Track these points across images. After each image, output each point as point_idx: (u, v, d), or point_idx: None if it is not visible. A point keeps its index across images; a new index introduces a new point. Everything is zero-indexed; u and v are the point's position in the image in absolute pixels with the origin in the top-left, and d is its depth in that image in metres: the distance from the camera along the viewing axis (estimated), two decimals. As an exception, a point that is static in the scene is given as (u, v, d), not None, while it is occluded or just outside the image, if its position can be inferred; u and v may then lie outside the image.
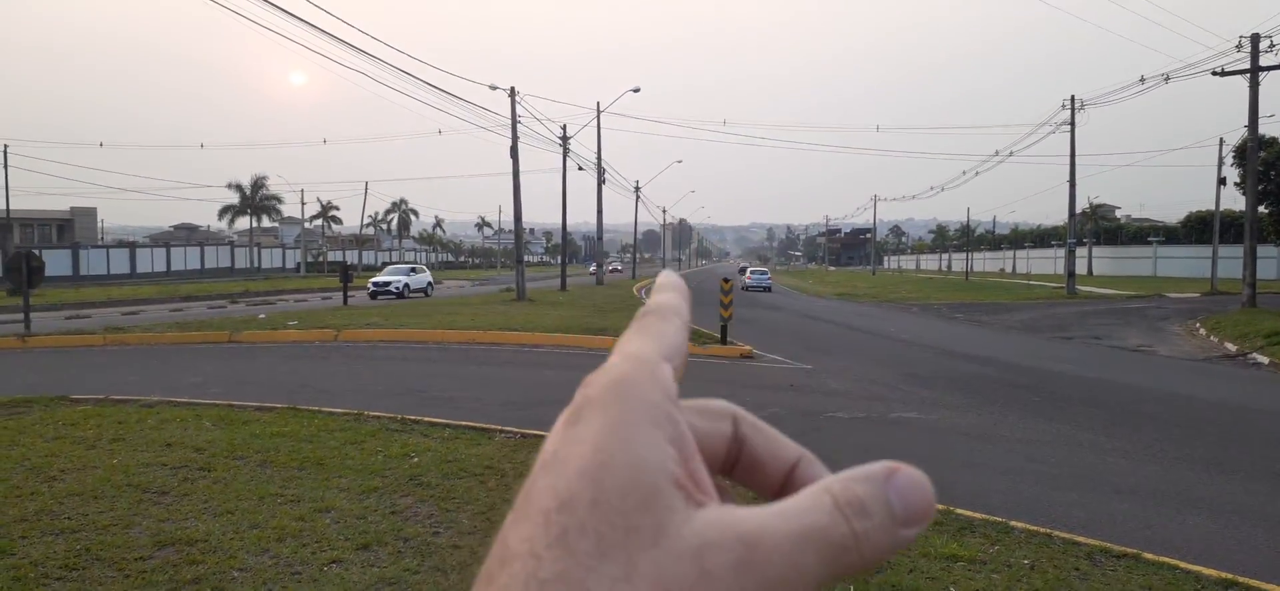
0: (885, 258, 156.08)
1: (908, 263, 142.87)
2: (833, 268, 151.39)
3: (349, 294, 35.06)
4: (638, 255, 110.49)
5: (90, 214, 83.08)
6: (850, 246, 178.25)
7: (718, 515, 0.31)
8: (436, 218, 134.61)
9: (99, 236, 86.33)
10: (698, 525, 0.30)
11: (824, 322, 30.28)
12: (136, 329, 22.91)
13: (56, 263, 60.96)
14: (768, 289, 53.72)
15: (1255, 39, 27.63)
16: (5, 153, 58.50)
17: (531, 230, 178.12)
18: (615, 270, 79.57)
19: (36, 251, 25.69)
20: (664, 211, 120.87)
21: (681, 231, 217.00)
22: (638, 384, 0.33)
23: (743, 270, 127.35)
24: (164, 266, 74.77)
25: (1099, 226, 79.35)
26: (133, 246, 78.13)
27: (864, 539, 0.31)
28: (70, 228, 78.51)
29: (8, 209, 62.34)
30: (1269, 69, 27.48)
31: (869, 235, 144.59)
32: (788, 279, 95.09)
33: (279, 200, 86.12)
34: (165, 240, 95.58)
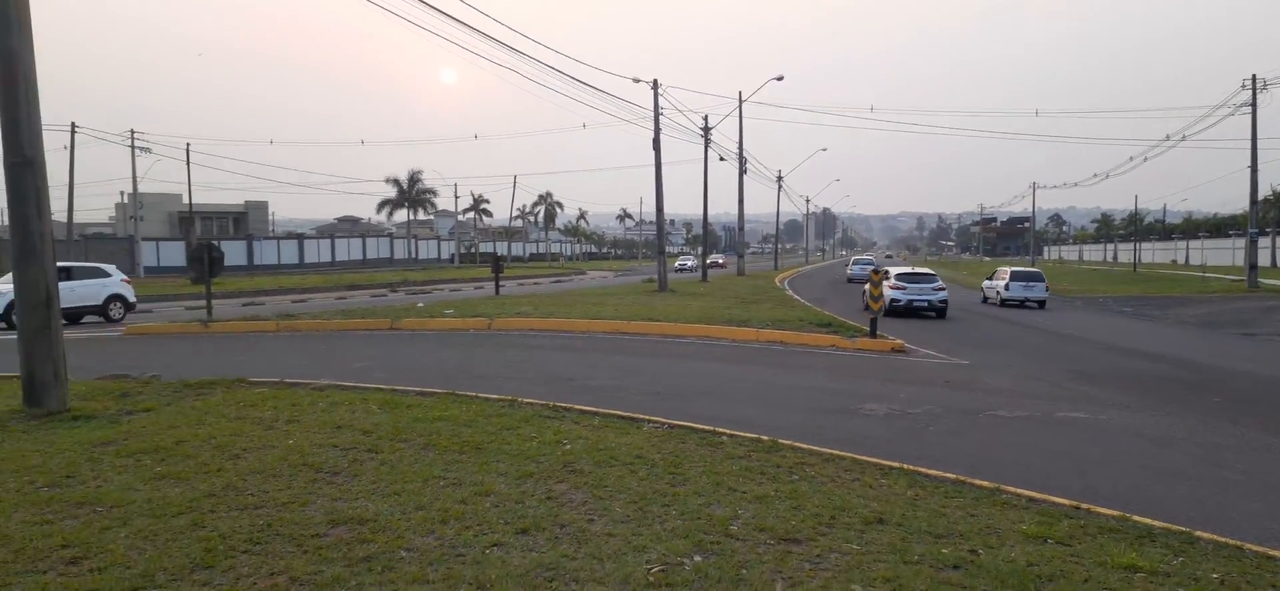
0: (1045, 248, 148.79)
1: (1069, 253, 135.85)
2: (988, 258, 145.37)
3: (501, 284, 36.08)
4: (780, 245, 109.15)
5: (262, 207, 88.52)
6: (1006, 236, 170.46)
7: None
8: (580, 210, 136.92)
9: (270, 228, 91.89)
10: None
11: (978, 315, 29.13)
12: (305, 316, 24.26)
13: (233, 253, 65.34)
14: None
15: None
16: (187, 150, 63.09)
17: (672, 221, 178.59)
18: (717, 264, 74.71)
19: (216, 243, 27.54)
20: (807, 201, 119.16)
21: (825, 221, 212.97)
22: None
23: (889, 258, 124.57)
24: (329, 256, 78.96)
25: (1286, 214, 73.08)
26: (301, 238, 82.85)
27: None
28: (245, 220, 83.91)
29: (190, 202, 67.21)
30: None
31: (1027, 224, 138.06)
32: (939, 270, 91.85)
33: (433, 194, 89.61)
34: (330, 232, 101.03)
